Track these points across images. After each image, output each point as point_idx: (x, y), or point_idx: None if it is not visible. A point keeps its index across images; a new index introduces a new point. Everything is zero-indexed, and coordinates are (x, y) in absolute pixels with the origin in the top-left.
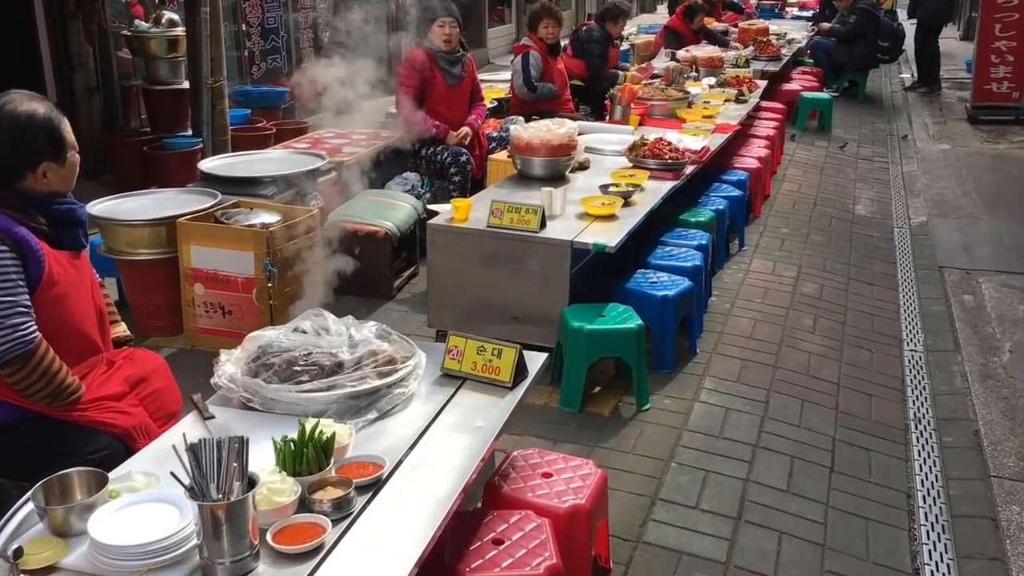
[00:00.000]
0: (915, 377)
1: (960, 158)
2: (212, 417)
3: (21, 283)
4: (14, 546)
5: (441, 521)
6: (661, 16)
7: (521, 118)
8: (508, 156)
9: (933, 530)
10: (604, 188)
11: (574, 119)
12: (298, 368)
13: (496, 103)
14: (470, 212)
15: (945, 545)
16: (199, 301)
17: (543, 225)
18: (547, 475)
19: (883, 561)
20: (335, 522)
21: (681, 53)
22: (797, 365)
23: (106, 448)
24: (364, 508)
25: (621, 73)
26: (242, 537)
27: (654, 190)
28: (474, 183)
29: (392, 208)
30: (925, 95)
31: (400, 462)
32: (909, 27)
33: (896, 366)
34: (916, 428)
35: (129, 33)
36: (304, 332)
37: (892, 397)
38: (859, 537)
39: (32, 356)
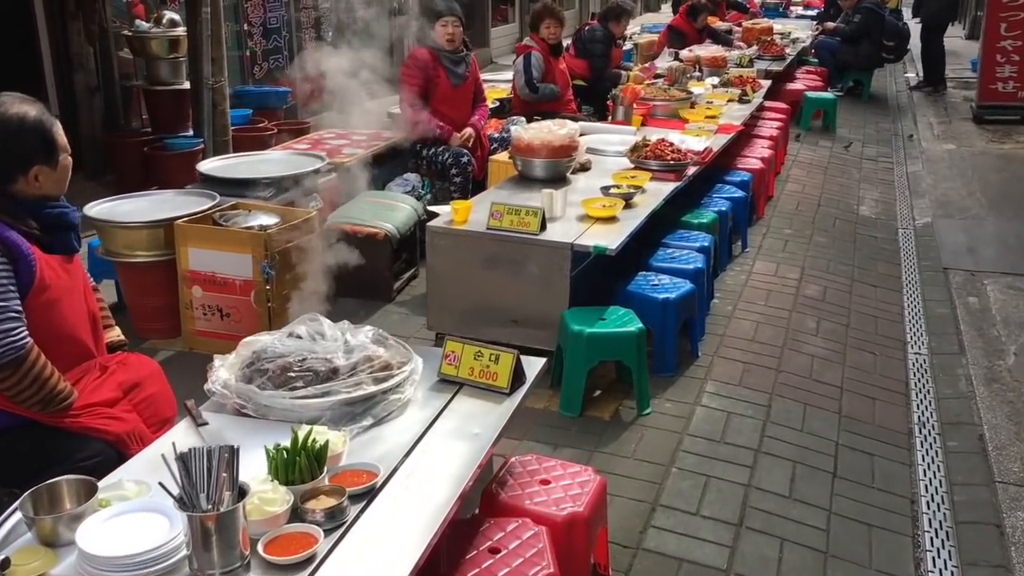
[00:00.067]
0: (919, 381)
1: (965, 158)
2: (206, 423)
3: (12, 288)
4: (1, 556)
5: (436, 530)
6: (665, 15)
7: (523, 118)
8: (509, 157)
9: (937, 536)
10: (605, 190)
11: (576, 120)
12: (292, 374)
13: (498, 103)
14: (470, 214)
15: (949, 552)
16: (197, 304)
17: (543, 227)
18: (545, 482)
19: (886, 568)
20: (328, 532)
21: (684, 53)
22: (800, 368)
23: (98, 455)
24: (358, 517)
25: (624, 73)
26: (232, 548)
27: (656, 191)
28: (475, 184)
29: (392, 209)
30: (930, 94)
31: (395, 470)
32: (914, 26)
33: (900, 369)
34: (920, 432)
35: (130, 33)
36: (299, 337)
37: (896, 401)
38: (862, 544)
39: (23, 362)
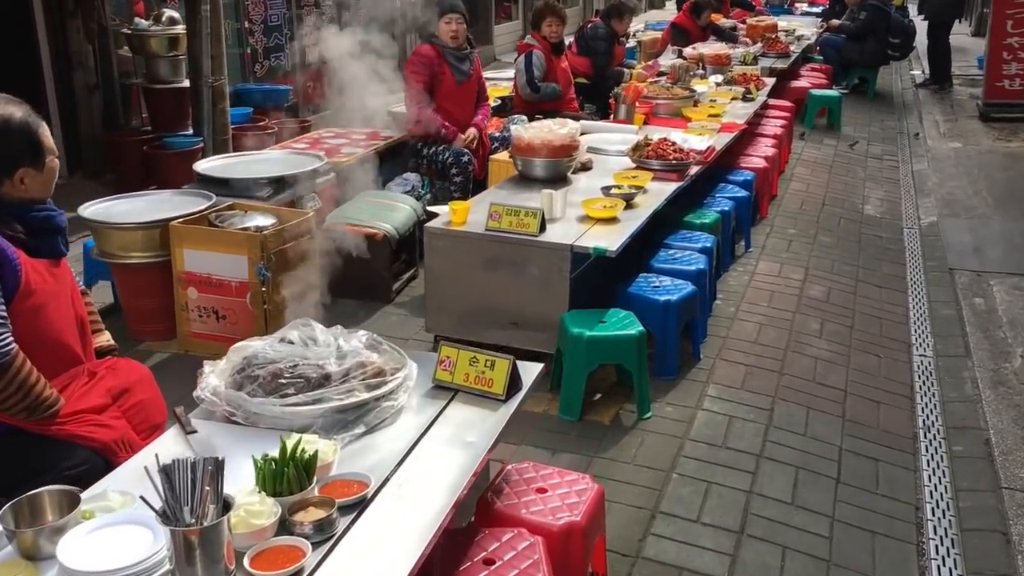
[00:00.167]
0: (924, 383)
1: (971, 156)
2: (194, 431)
3: None
4: None
5: (428, 542)
6: (669, 12)
7: (524, 117)
8: (509, 157)
9: (942, 544)
10: (606, 190)
11: (578, 118)
12: (283, 381)
13: (500, 102)
14: (468, 215)
15: (955, 560)
16: (192, 305)
17: (543, 228)
18: (542, 490)
19: None
20: (316, 545)
21: (688, 50)
22: (803, 371)
23: (85, 463)
24: (348, 529)
25: (627, 71)
26: (217, 562)
27: (658, 192)
28: (476, 183)
29: (391, 210)
30: (936, 92)
31: (387, 479)
32: (920, 23)
33: (905, 372)
34: (925, 437)
35: (129, 31)
36: (291, 343)
37: (900, 404)
38: (865, 552)
39: (8, 369)
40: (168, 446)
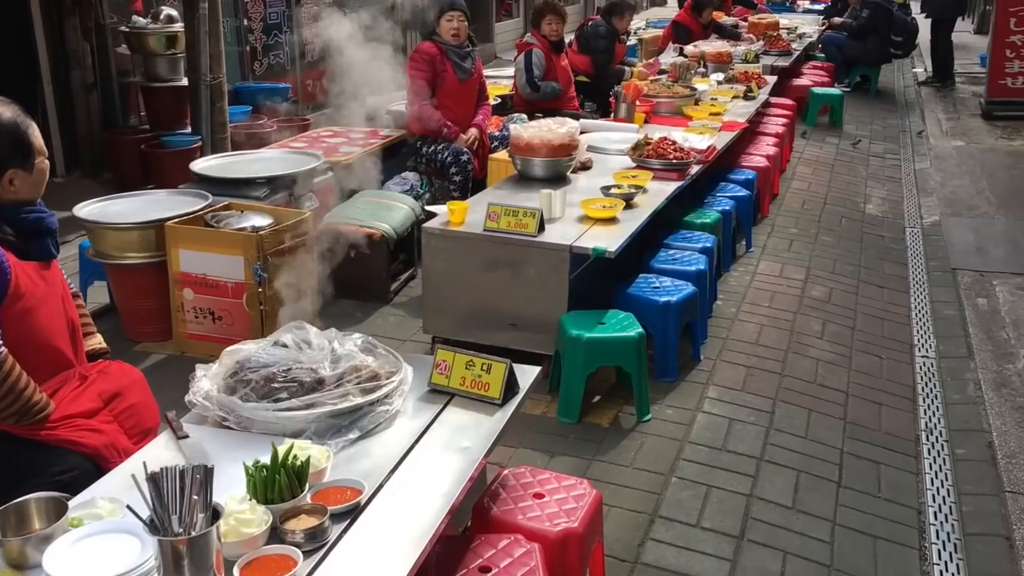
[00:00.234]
0: (927, 385)
1: (974, 155)
2: (186, 437)
3: None
4: None
5: (422, 550)
6: (671, 10)
7: (524, 116)
8: (508, 156)
9: (945, 549)
10: (605, 190)
11: (578, 117)
12: (276, 385)
13: (499, 100)
14: (466, 215)
15: (957, 565)
16: (188, 306)
17: (541, 229)
18: (539, 495)
19: None
20: (308, 553)
21: (689, 48)
22: (804, 373)
23: (75, 469)
24: (340, 537)
25: (628, 69)
26: (205, 572)
27: (658, 191)
28: (476, 183)
29: (389, 209)
30: (939, 90)
31: (381, 486)
32: (923, 21)
33: (907, 373)
34: (927, 440)
35: (127, 29)
36: (285, 346)
37: (903, 406)
38: (867, 557)
39: None
40: (159, 452)
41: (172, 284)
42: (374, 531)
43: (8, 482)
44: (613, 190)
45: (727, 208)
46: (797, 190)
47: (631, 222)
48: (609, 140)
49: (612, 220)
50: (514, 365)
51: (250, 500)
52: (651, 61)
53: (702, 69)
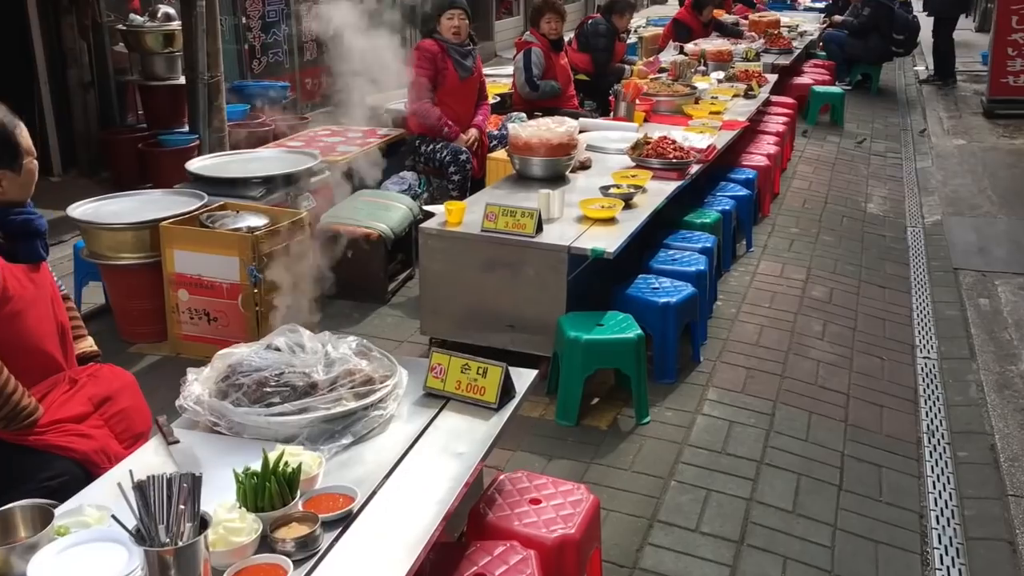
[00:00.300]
0: (928, 387)
1: (976, 154)
2: (176, 442)
3: None
4: None
5: (416, 558)
6: (671, 8)
7: (523, 114)
8: (507, 155)
9: (947, 554)
10: (604, 190)
11: (577, 115)
12: (269, 389)
13: (498, 99)
14: (464, 215)
15: (960, 570)
16: (183, 307)
17: (539, 229)
18: (535, 501)
19: None
20: (299, 562)
21: (689, 46)
22: (805, 374)
23: (64, 474)
24: (332, 546)
25: (628, 68)
26: None
27: (657, 191)
28: (476, 182)
29: (387, 209)
30: (940, 88)
31: (374, 493)
32: (924, 19)
33: (908, 375)
34: (929, 442)
35: (124, 27)
36: (278, 349)
37: (904, 408)
38: (868, 562)
39: None
40: (149, 458)
41: (167, 285)
42: (367, 539)
43: None
44: (612, 190)
45: (727, 208)
46: (798, 189)
47: (630, 222)
48: (608, 139)
49: (611, 220)
50: (510, 368)
51: (240, 508)
52: (651, 59)
53: (702, 67)
